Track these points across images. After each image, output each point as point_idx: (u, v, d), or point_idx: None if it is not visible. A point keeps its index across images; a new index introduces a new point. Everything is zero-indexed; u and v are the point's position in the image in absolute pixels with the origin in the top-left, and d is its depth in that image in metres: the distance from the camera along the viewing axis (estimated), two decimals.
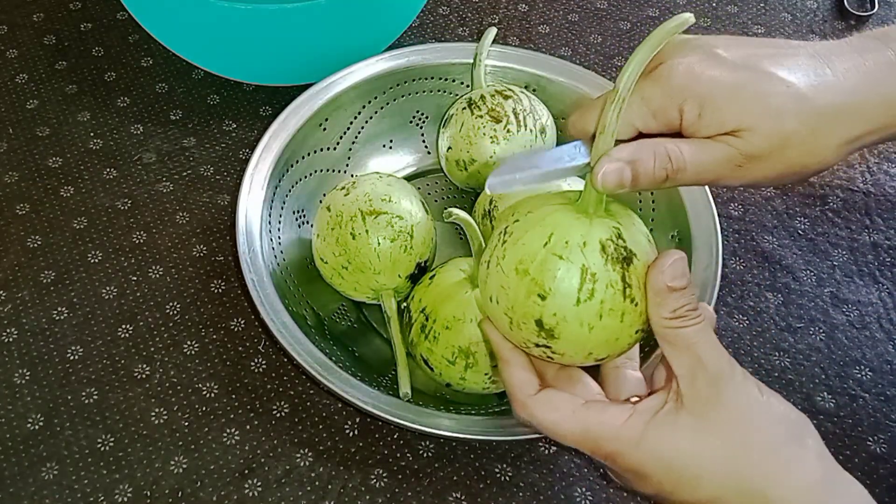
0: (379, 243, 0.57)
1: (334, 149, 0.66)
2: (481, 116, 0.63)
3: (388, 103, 0.67)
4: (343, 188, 0.59)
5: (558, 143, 0.66)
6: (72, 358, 0.58)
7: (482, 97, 0.64)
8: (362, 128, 0.67)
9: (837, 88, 0.42)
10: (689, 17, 0.37)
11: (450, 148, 0.65)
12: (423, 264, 0.59)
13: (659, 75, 0.41)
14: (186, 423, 0.56)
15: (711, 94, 0.40)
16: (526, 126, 0.63)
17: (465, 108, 0.64)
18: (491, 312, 0.43)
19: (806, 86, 0.41)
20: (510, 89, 0.64)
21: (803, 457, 0.38)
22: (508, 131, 0.62)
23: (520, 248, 0.40)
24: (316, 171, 0.65)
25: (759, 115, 0.40)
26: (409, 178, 0.68)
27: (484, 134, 0.62)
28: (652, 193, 0.62)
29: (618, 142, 0.40)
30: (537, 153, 0.46)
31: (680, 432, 0.38)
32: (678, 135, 0.42)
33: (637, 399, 0.41)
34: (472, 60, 0.66)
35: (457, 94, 0.68)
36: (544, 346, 0.40)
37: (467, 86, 0.68)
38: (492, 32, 0.67)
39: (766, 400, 0.39)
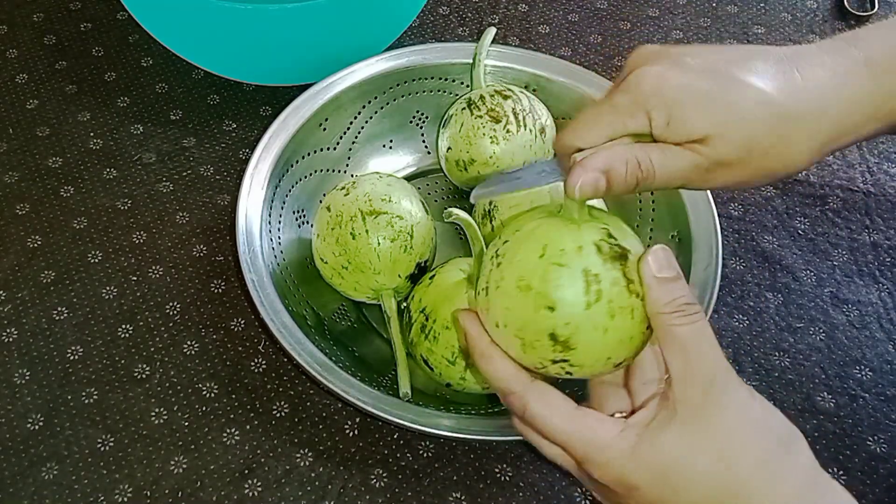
0: (379, 243, 0.57)
1: (334, 149, 0.66)
2: (481, 117, 0.63)
3: (388, 103, 0.67)
4: (343, 188, 0.59)
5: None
6: (72, 358, 0.58)
7: (482, 97, 0.64)
8: (362, 128, 0.67)
9: (803, 94, 0.42)
10: None
11: (449, 148, 0.65)
12: (423, 264, 0.59)
13: (628, 84, 0.42)
14: (186, 423, 0.56)
15: (679, 102, 0.41)
16: (525, 126, 0.63)
17: (464, 109, 0.64)
18: (499, 338, 0.42)
19: (773, 91, 0.42)
20: (510, 89, 0.64)
21: (790, 471, 0.38)
22: (508, 131, 0.62)
23: (517, 266, 0.40)
24: (316, 171, 0.65)
25: (725, 123, 0.41)
26: (409, 178, 0.68)
27: (483, 134, 0.62)
28: (652, 193, 0.62)
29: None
30: (519, 170, 0.49)
31: (672, 441, 0.38)
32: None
33: (623, 415, 0.41)
34: (471, 60, 0.66)
35: (457, 94, 0.68)
36: (561, 360, 0.40)
37: (467, 86, 0.68)
38: (491, 32, 0.67)
39: (757, 410, 0.38)
